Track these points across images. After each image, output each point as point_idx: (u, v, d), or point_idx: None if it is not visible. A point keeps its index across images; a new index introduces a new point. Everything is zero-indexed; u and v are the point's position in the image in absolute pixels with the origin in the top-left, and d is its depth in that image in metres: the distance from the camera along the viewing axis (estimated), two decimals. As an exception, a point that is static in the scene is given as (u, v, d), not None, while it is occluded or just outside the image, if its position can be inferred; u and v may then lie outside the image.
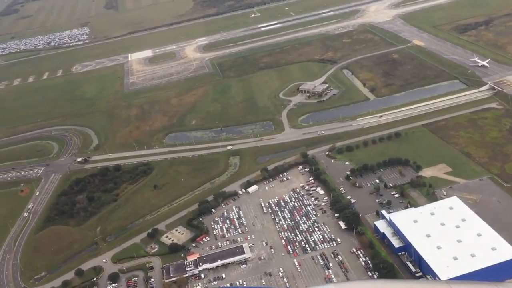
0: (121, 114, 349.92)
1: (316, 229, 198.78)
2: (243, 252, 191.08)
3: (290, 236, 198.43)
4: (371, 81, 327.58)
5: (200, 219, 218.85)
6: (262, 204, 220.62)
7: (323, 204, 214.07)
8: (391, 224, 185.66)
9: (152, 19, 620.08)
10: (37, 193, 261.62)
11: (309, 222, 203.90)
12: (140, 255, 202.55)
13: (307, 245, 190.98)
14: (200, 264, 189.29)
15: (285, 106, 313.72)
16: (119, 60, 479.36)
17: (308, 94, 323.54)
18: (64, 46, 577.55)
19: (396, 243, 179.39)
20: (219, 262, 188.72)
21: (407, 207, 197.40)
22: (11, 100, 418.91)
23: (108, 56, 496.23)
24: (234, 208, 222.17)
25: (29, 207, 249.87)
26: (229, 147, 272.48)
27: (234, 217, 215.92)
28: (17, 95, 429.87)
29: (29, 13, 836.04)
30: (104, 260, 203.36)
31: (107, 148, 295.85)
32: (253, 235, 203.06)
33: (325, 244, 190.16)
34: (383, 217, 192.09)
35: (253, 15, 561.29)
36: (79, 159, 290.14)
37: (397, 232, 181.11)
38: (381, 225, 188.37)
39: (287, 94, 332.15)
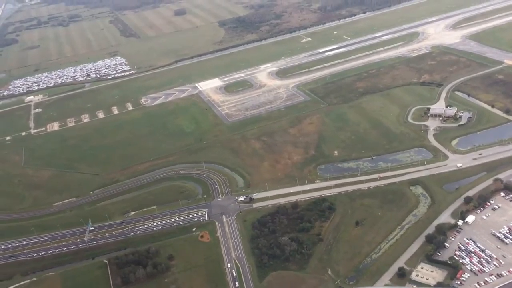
0: (242, 147, 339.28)
1: None
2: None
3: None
4: (497, 102, 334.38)
5: (439, 254, 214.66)
6: (497, 234, 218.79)
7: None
8: None
9: (191, 47, 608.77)
10: (222, 238, 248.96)
11: None
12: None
13: None
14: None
15: (425, 132, 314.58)
16: (189, 90, 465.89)
17: (441, 118, 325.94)
18: (109, 78, 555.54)
19: None
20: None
21: None
22: (97, 139, 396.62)
23: (172, 87, 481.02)
24: (466, 240, 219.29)
25: (225, 253, 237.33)
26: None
27: (476, 249, 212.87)
28: (99, 133, 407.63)
29: (30, 43, 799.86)
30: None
31: (267, 185, 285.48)
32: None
33: None
34: None
35: (304, 39, 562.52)
36: (241, 198, 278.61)
37: None
38: None
39: (416, 119, 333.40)
